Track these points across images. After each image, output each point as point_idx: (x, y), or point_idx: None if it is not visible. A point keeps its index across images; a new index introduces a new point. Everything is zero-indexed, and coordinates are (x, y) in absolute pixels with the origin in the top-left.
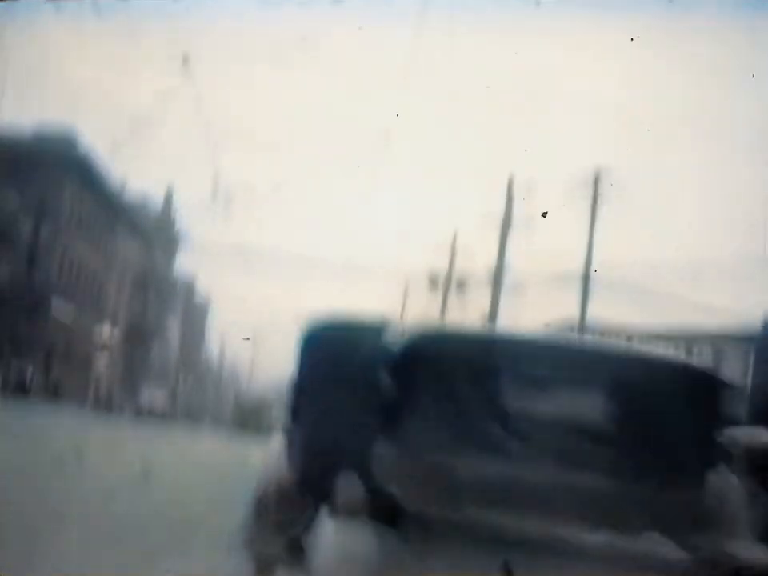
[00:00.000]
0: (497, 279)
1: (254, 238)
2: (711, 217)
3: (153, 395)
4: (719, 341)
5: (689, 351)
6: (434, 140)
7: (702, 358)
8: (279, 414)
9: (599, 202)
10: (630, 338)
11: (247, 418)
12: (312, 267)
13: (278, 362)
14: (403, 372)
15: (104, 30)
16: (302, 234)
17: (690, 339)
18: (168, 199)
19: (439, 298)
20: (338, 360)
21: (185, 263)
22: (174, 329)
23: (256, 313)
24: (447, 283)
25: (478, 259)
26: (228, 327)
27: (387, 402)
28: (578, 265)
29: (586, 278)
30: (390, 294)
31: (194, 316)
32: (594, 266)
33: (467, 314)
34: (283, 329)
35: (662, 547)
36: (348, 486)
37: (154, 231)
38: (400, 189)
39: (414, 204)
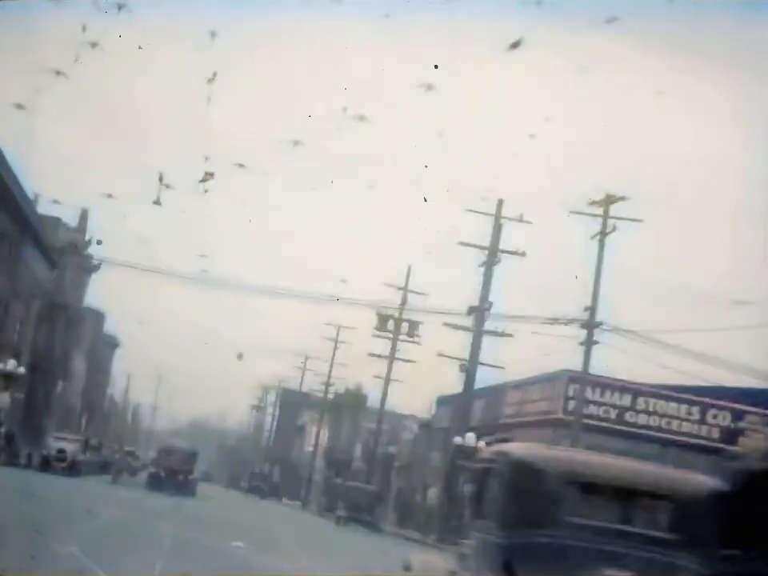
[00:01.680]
0: (479, 319)
1: (176, 261)
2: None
3: (61, 444)
4: (739, 401)
5: (703, 414)
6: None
7: (718, 422)
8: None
9: (607, 233)
10: (635, 395)
11: (174, 473)
12: (236, 294)
13: (187, 402)
14: None
15: None
16: (233, 260)
17: (704, 401)
18: (83, 218)
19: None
20: None
21: (96, 290)
22: (79, 364)
23: (169, 346)
24: (399, 322)
25: (453, 295)
26: (137, 362)
27: None
28: (576, 305)
29: (590, 324)
30: (326, 331)
31: (102, 350)
32: (598, 309)
33: (421, 356)
34: (197, 365)
35: None
36: None
37: (66, 253)
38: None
39: (368, 230)
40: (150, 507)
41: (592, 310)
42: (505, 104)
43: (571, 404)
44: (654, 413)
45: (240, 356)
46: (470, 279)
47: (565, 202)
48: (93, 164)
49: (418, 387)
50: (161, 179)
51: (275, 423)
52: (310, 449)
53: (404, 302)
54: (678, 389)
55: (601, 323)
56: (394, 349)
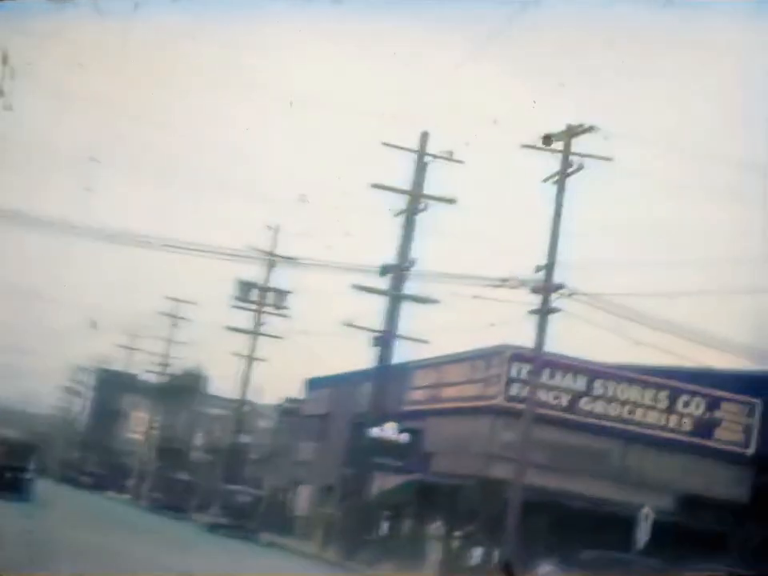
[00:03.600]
0: (397, 280)
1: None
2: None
3: None
4: (718, 385)
5: (673, 401)
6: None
7: (690, 411)
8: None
9: (569, 173)
10: (592, 378)
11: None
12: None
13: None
14: None
15: None
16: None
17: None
18: None
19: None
20: None
21: None
22: None
23: None
24: (263, 292)
25: (365, 252)
26: None
27: None
28: (526, 265)
29: (546, 287)
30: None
31: None
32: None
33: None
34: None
35: None
36: None
37: None
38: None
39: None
40: None
41: (548, 269)
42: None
43: (514, 388)
44: (615, 399)
45: (94, 324)
46: (386, 232)
47: (510, 137)
48: None
49: (285, 368)
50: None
51: (92, 407)
52: (135, 436)
53: (271, 266)
54: (645, 370)
55: (561, 286)
56: (257, 322)
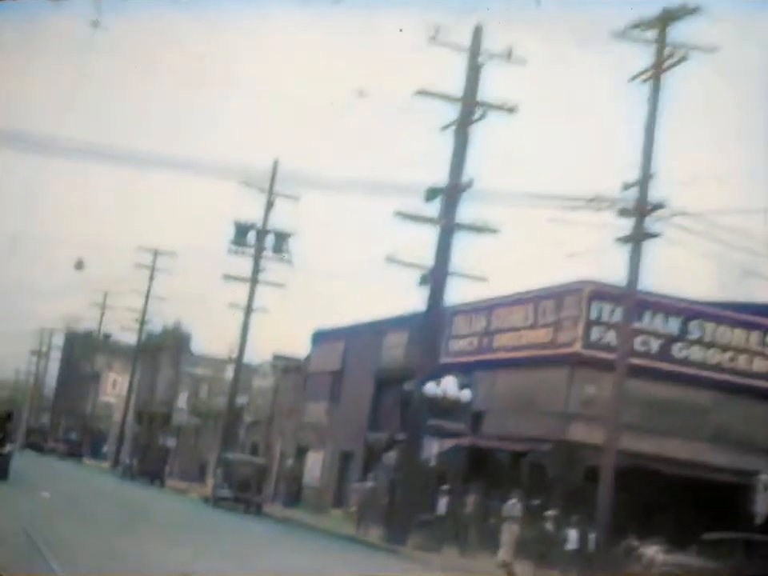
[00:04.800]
0: (450, 205)
1: None
2: None
3: None
4: None
5: None
6: None
7: None
8: None
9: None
10: (687, 319)
11: None
12: None
13: None
14: None
15: None
16: None
17: None
18: None
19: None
20: None
21: None
22: None
23: None
24: (262, 234)
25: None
26: None
27: None
28: (610, 182)
29: (640, 208)
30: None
31: None
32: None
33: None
34: None
35: None
36: None
37: None
38: None
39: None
40: None
41: (642, 185)
42: None
43: (595, 332)
44: (714, 344)
45: (80, 264)
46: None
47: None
48: None
49: (283, 320)
50: None
51: (61, 369)
52: (111, 399)
53: (269, 205)
54: (750, 308)
55: (660, 205)
56: (256, 269)
